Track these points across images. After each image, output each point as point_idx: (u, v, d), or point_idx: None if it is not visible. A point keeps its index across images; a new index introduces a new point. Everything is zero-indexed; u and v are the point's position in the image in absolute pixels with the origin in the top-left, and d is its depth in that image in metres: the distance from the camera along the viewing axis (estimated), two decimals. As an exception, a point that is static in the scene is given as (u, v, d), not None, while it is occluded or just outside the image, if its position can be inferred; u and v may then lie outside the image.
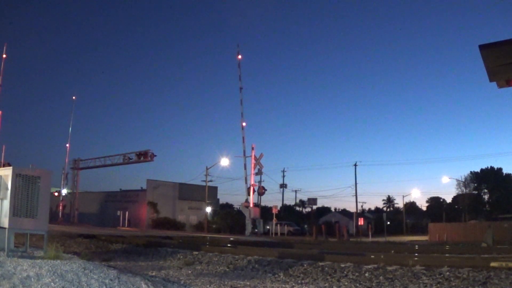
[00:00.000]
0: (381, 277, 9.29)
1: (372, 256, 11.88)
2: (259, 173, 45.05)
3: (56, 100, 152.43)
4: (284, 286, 8.94)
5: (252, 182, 44.16)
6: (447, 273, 9.12)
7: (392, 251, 16.06)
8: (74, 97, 58.07)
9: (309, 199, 69.31)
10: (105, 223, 50.63)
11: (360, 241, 35.38)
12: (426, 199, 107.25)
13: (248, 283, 8.95)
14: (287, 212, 74.12)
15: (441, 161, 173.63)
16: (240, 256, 12.76)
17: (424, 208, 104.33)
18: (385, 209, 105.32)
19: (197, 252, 14.01)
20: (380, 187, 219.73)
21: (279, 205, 66.21)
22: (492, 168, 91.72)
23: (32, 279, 6.55)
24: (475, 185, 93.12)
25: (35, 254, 10.05)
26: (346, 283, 9.14)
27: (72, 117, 55.17)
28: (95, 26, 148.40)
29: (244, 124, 44.71)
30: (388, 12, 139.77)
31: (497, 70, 5.35)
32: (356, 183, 62.54)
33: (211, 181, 55.64)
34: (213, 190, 60.18)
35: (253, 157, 43.97)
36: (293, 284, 9.20)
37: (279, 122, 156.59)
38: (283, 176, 66.82)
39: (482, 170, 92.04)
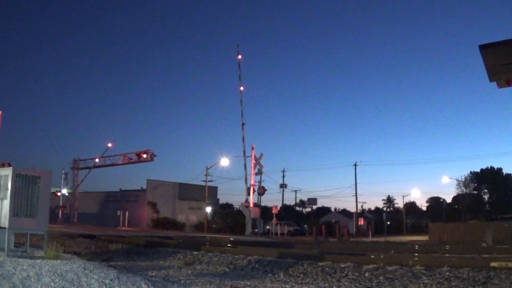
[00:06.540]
0: (381, 277, 9.29)
1: (372, 256, 11.86)
2: (259, 173, 45.09)
3: (56, 100, 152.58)
4: (284, 286, 8.94)
5: (252, 182, 44.20)
6: (447, 273, 9.12)
7: (392, 251, 16.05)
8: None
9: (309, 199, 69.34)
10: (105, 223, 50.59)
11: (360, 241, 35.36)
12: (426, 199, 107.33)
13: (248, 283, 8.95)
14: (287, 212, 74.10)
15: (441, 161, 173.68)
16: (240, 256, 12.74)
17: (424, 208, 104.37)
18: (385, 209, 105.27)
19: (197, 252, 14.00)
20: (380, 187, 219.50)
21: (279, 205, 66.19)
22: (492, 168, 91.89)
23: (32, 279, 6.55)
24: (475, 185, 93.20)
25: (35, 254, 10.05)
26: (346, 283, 9.14)
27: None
28: (94, 26, 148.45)
29: (244, 124, 44.82)
30: (388, 12, 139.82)
31: (497, 70, 5.34)
32: (356, 183, 62.64)
33: (211, 181, 55.73)
34: (213, 190, 60.23)
35: (253, 157, 44.00)
36: (293, 284, 9.19)
37: (279, 122, 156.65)
38: (283, 176, 66.84)
39: (482, 170, 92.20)
